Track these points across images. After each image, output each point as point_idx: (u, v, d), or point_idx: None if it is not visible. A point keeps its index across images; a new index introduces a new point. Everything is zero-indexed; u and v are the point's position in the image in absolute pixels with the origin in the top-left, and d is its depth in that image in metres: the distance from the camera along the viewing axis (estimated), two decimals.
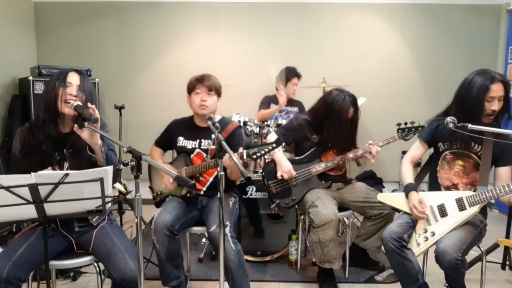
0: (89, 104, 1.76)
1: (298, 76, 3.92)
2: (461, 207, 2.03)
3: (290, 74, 3.91)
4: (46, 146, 1.84)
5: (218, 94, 2.39)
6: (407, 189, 2.17)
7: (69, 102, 1.79)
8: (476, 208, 2.00)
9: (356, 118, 2.58)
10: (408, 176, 2.24)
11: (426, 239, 2.05)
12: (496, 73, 2.03)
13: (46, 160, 1.83)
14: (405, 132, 2.55)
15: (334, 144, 2.59)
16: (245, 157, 2.09)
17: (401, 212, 2.22)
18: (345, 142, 2.59)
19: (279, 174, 2.55)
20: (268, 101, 3.95)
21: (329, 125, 2.54)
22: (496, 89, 2.00)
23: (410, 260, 2.02)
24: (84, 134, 1.75)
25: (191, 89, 2.37)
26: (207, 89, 2.32)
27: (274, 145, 2.09)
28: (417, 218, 2.10)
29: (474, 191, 2.09)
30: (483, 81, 2.00)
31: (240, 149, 2.14)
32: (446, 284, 2.14)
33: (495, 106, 2.01)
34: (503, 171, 2.09)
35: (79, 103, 1.77)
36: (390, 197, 2.31)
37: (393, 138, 2.56)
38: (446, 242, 1.92)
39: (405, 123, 2.57)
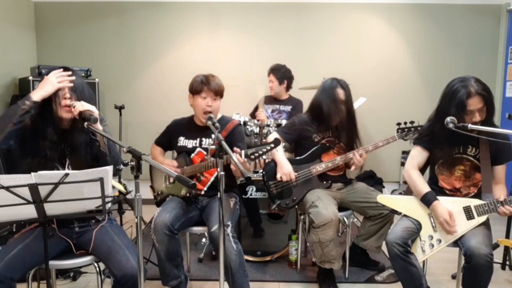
0: (87, 105, 1.76)
1: (273, 72, 3.83)
2: (469, 216, 2.01)
3: (268, 71, 3.89)
4: (49, 150, 1.83)
5: (221, 96, 2.39)
6: (429, 199, 2.05)
7: (67, 106, 1.79)
8: (484, 218, 1.99)
9: (349, 100, 2.60)
10: (423, 184, 2.11)
11: (432, 246, 2.04)
12: (475, 82, 1.96)
13: (48, 164, 1.82)
14: (405, 132, 2.56)
15: (337, 137, 2.63)
16: (243, 157, 2.08)
17: (401, 215, 2.20)
18: (347, 136, 2.63)
19: (278, 176, 2.55)
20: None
21: (326, 111, 2.56)
22: (473, 103, 1.95)
23: (414, 265, 2.00)
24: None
25: (196, 91, 2.33)
26: (213, 93, 2.31)
27: (272, 145, 2.08)
28: (447, 232, 2.02)
29: (478, 191, 2.09)
30: (460, 97, 1.96)
31: (237, 150, 2.13)
32: None
33: (476, 118, 1.97)
34: (498, 169, 2.09)
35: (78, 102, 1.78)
36: (390, 200, 2.28)
37: (393, 138, 2.56)
38: (476, 239, 1.90)
39: (405, 123, 2.57)
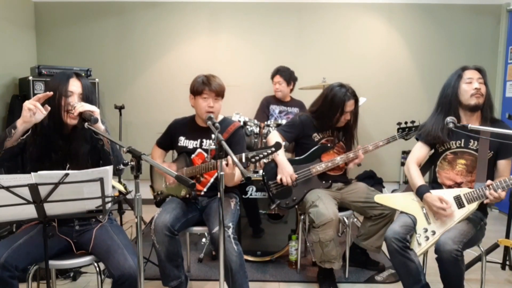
0: (87, 106, 1.76)
1: (279, 74, 3.83)
2: (460, 205, 2.03)
3: (272, 73, 3.90)
4: (55, 153, 1.84)
5: (223, 96, 2.38)
6: (421, 191, 2.11)
7: (72, 112, 1.78)
8: (474, 205, 2.00)
9: (356, 112, 2.63)
10: (418, 178, 2.17)
11: (427, 238, 2.05)
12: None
13: (51, 168, 1.82)
14: (405, 131, 2.56)
15: (337, 137, 2.64)
16: (243, 160, 2.07)
17: (400, 212, 2.21)
18: (347, 136, 2.66)
19: (279, 178, 2.55)
20: (267, 103, 3.94)
21: (330, 116, 2.56)
22: (471, 73, 2.10)
23: (413, 260, 2.02)
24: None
25: (197, 92, 2.32)
26: (214, 94, 2.30)
27: (273, 149, 2.08)
28: (443, 218, 2.04)
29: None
30: (457, 71, 2.15)
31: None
32: None
33: (476, 85, 2.06)
34: (502, 164, 2.10)
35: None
36: (387, 198, 2.30)
37: (393, 138, 2.57)
38: (448, 234, 1.94)
39: (405, 122, 2.58)
